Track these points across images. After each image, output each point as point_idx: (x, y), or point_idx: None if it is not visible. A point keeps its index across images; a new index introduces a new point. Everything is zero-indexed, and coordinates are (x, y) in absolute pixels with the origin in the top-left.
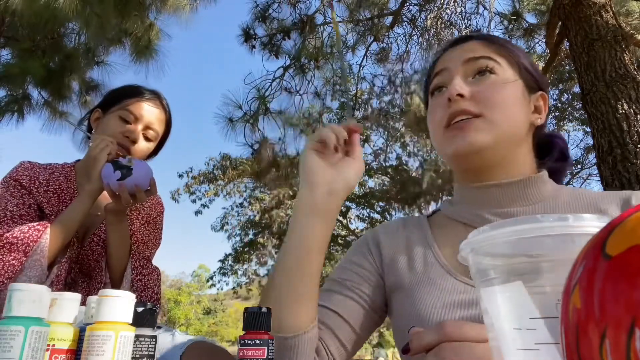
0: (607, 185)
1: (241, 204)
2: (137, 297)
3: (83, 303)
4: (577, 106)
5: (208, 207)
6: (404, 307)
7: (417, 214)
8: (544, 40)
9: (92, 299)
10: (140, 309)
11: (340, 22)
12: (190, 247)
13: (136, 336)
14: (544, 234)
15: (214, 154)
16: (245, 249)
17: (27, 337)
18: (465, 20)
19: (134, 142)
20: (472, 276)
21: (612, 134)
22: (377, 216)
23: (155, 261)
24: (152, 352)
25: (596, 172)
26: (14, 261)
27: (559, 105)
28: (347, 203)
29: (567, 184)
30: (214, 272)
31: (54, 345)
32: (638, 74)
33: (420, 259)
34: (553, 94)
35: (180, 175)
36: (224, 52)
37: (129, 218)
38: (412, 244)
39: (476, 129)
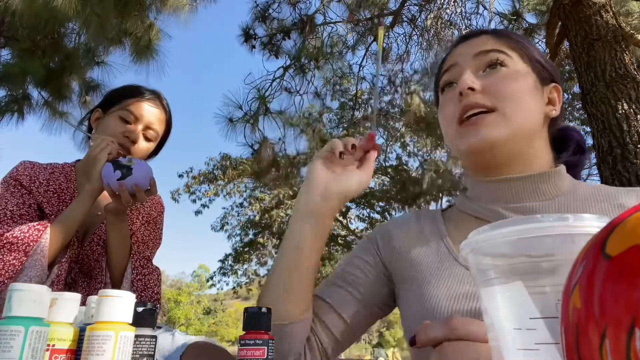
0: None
1: (241, 204)
2: (137, 297)
3: (83, 303)
4: (577, 106)
5: (208, 207)
6: (413, 298)
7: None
8: (544, 40)
9: (92, 299)
10: (140, 309)
11: (340, 22)
12: (190, 247)
13: (136, 336)
14: (544, 234)
15: (214, 154)
16: (245, 249)
17: (27, 337)
18: (465, 20)
19: (134, 142)
20: (472, 276)
21: (612, 134)
22: (377, 216)
23: (155, 261)
24: (152, 352)
25: (596, 172)
26: (14, 261)
27: None
28: (347, 203)
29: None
30: (214, 272)
31: (54, 345)
32: (638, 74)
33: (432, 252)
34: None
35: (180, 175)
36: (224, 52)
37: (129, 218)
38: (425, 236)
39: (490, 123)
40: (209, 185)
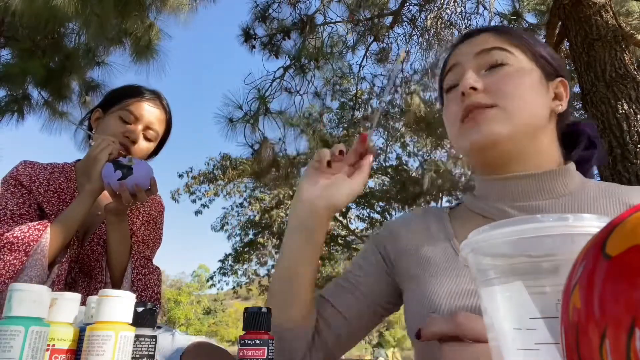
0: None
1: (241, 204)
2: (137, 297)
3: (83, 303)
4: (577, 106)
5: (208, 207)
6: (416, 295)
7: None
8: (544, 40)
9: (92, 299)
10: (140, 309)
11: (340, 22)
12: (190, 247)
13: (136, 336)
14: (544, 234)
15: (214, 154)
16: (245, 249)
17: (27, 337)
18: (465, 20)
19: (134, 142)
20: (472, 276)
21: (612, 134)
22: (377, 216)
23: (155, 261)
24: (152, 352)
25: (596, 171)
26: (14, 261)
27: None
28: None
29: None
30: (214, 272)
31: (54, 345)
32: (638, 74)
33: (438, 250)
34: None
35: (180, 175)
36: (224, 52)
37: (130, 217)
38: (432, 235)
39: (491, 119)
40: (209, 185)
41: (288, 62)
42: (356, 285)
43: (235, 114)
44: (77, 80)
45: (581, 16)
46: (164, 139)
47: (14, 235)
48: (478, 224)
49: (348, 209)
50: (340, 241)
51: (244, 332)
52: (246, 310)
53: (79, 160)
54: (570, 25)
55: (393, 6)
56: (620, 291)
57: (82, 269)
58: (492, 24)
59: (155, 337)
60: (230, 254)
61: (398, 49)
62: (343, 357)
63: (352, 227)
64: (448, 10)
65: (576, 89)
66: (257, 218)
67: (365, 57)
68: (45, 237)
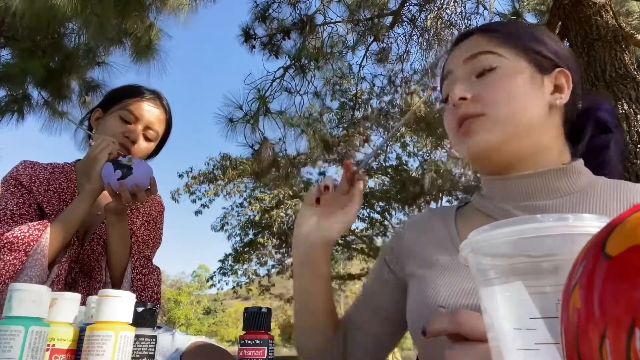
0: None
1: (241, 204)
2: (137, 297)
3: (83, 303)
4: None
5: (208, 207)
6: (417, 293)
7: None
8: None
9: (92, 299)
10: (140, 309)
11: (340, 22)
12: (190, 247)
13: (136, 336)
14: (544, 234)
15: (214, 154)
16: (245, 249)
17: (27, 337)
18: (465, 20)
19: (134, 142)
20: (472, 276)
21: None
22: (377, 216)
23: (155, 261)
24: (152, 352)
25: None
26: (14, 260)
27: None
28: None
29: None
30: (214, 272)
31: (54, 345)
32: (638, 74)
33: (438, 249)
34: None
35: (180, 175)
36: (224, 52)
37: (130, 217)
38: (434, 234)
39: (480, 128)
40: (209, 185)
41: (288, 62)
42: (376, 303)
43: (236, 114)
44: (77, 80)
45: (581, 16)
46: (164, 139)
47: (14, 235)
48: (482, 224)
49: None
50: (340, 241)
51: (244, 332)
52: (246, 310)
53: (79, 160)
54: (570, 25)
55: (393, 6)
56: (620, 291)
57: (82, 269)
58: None
59: (155, 337)
60: (230, 254)
61: (398, 49)
62: None
63: (352, 227)
64: (448, 10)
65: None
66: (257, 218)
67: (365, 57)
68: (45, 237)
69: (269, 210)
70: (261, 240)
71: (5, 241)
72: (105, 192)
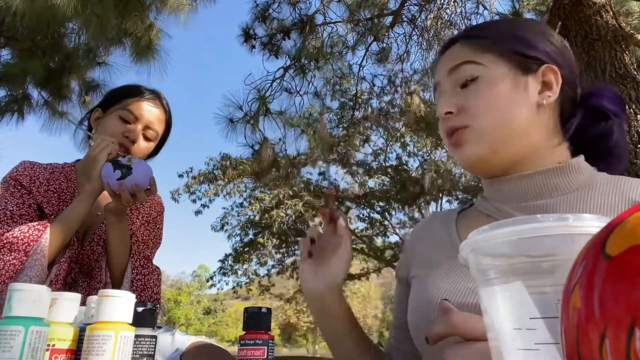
0: None
1: (241, 204)
2: (137, 297)
3: (83, 303)
4: None
5: (208, 207)
6: (416, 294)
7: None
8: None
9: (92, 299)
10: (140, 309)
11: (340, 22)
12: (190, 247)
13: (136, 336)
14: (544, 234)
15: (214, 154)
16: (245, 249)
17: (27, 337)
18: (465, 20)
19: (134, 141)
20: (473, 276)
21: None
22: (377, 216)
23: (155, 261)
24: (152, 352)
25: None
26: (14, 260)
27: None
28: (348, 203)
29: None
30: (214, 272)
31: (54, 345)
32: (638, 74)
33: (438, 250)
34: None
35: (180, 175)
36: (224, 52)
37: (129, 218)
38: (435, 236)
39: (467, 140)
40: (209, 185)
41: (288, 63)
42: (401, 320)
43: (236, 114)
44: (77, 80)
45: (581, 16)
46: (163, 139)
47: (14, 235)
48: (483, 225)
49: (348, 208)
50: None
51: (244, 332)
52: (246, 310)
53: (78, 160)
54: (570, 25)
55: (393, 6)
56: (620, 291)
57: (82, 269)
58: None
59: (155, 337)
60: (230, 254)
61: (398, 49)
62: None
63: (352, 227)
64: (448, 10)
65: None
66: (257, 218)
67: (365, 57)
68: (45, 237)
69: (269, 210)
70: (261, 240)
71: (5, 241)
72: (105, 193)
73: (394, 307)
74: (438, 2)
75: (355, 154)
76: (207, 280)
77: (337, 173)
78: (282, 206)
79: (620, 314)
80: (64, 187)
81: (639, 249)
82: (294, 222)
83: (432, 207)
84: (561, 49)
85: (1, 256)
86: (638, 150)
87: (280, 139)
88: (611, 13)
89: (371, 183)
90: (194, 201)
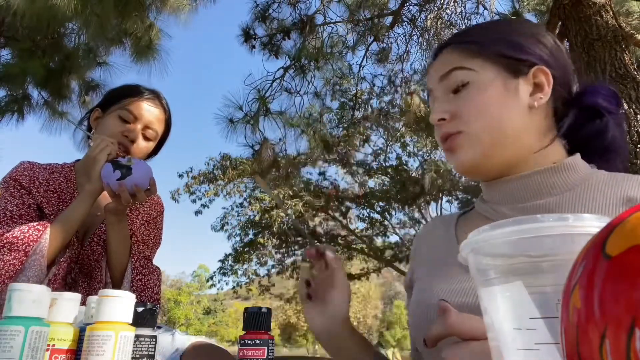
0: None
1: (241, 204)
2: (137, 297)
3: (83, 303)
4: None
5: (208, 207)
6: (416, 296)
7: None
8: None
9: (92, 299)
10: (140, 309)
11: (340, 22)
12: (190, 247)
13: (136, 336)
14: (544, 234)
15: (214, 154)
16: (245, 249)
17: (27, 337)
18: (465, 20)
19: (133, 141)
20: (472, 276)
21: None
22: (377, 216)
23: (155, 261)
24: (152, 352)
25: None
26: (14, 260)
27: None
28: (347, 203)
29: None
30: (214, 272)
31: (54, 345)
32: (638, 74)
33: (437, 252)
34: None
35: (180, 175)
36: (224, 52)
37: (129, 218)
38: (435, 239)
39: (461, 146)
40: (209, 185)
41: (288, 63)
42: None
43: (236, 114)
44: (77, 80)
45: (581, 16)
46: (163, 139)
47: (14, 235)
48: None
49: (348, 208)
50: (340, 241)
51: (244, 332)
52: (246, 310)
53: (78, 160)
54: (570, 25)
55: (393, 6)
56: (620, 291)
57: (82, 269)
58: None
59: (155, 337)
60: (230, 254)
61: (398, 49)
62: None
63: (352, 227)
64: (448, 10)
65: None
66: (257, 218)
67: (365, 57)
68: (45, 237)
69: (269, 210)
70: (261, 240)
71: (5, 241)
72: (105, 193)
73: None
74: (438, 2)
75: (355, 154)
76: (207, 280)
77: (337, 173)
78: (282, 206)
79: (620, 314)
80: (64, 187)
81: (639, 249)
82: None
83: (432, 207)
84: (552, 50)
85: (1, 256)
86: (638, 150)
87: (280, 139)
88: (611, 13)
89: (371, 183)
90: (194, 201)
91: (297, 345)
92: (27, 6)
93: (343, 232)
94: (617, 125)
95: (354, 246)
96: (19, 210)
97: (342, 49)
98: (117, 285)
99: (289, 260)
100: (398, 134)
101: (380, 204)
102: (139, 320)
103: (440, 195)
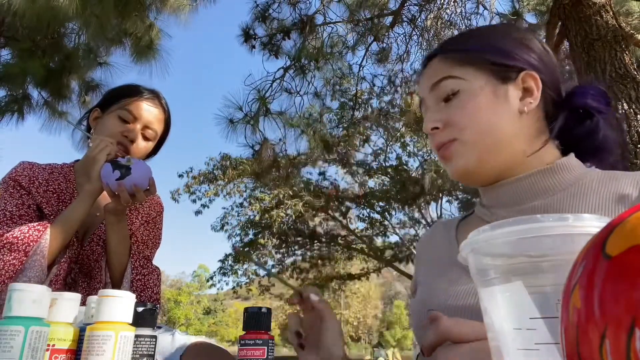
0: None
1: (241, 204)
2: (136, 297)
3: (83, 303)
4: None
5: (208, 207)
6: (417, 299)
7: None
8: (544, 40)
9: (92, 299)
10: (140, 309)
11: (340, 22)
12: (190, 247)
13: (136, 336)
14: (544, 234)
15: (214, 154)
16: (245, 249)
17: (27, 337)
18: (465, 20)
19: (133, 141)
20: (472, 276)
21: None
22: (377, 216)
23: (155, 261)
24: (152, 352)
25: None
26: (14, 261)
27: None
28: (348, 203)
29: None
30: (214, 272)
31: (54, 345)
32: (638, 74)
33: (436, 256)
34: None
35: (180, 175)
36: (224, 52)
37: (129, 218)
38: (435, 243)
39: (455, 154)
40: (209, 185)
41: (288, 63)
42: None
43: (236, 115)
44: (77, 80)
45: (581, 16)
46: (163, 139)
47: (14, 235)
48: None
49: (348, 208)
50: (340, 241)
51: (244, 332)
52: (246, 310)
53: (77, 160)
54: (570, 25)
55: (393, 6)
56: (620, 291)
57: (82, 269)
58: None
59: (155, 337)
60: (230, 254)
61: (398, 49)
62: None
63: (352, 227)
64: (448, 10)
65: None
66: (257, 218)
67: (365, 57)
68: (45, 237)
69: (269, 210)
70: (261, 240)
71: (5, 241)
72: (105, 193)
73: None
74: (438, 2)
75: (355, 154)
76: (207, 280)
77: (337, 173)
78: (282, 206)
79: (620, 314)
80: (63, 187)
81: (639, 249)
82: (294, 222)
83: (432, 207)
84: (540, 54)
85: (1, 256)
86: (638, 150)
87: (280, 139)
88: (611, 13)
89: (371, 183)
90: (194, 201)
91: None
92: (27, 6)
93: (343, 232)
94: (608, 125)
95: (354, 246)
96: (19, 210)
97: (342, 49)
98: (116, 285)
99: (289, 260)
100: (398, 134)
101: (380, 204)
102: (139, 320)
103: (440, 195)
